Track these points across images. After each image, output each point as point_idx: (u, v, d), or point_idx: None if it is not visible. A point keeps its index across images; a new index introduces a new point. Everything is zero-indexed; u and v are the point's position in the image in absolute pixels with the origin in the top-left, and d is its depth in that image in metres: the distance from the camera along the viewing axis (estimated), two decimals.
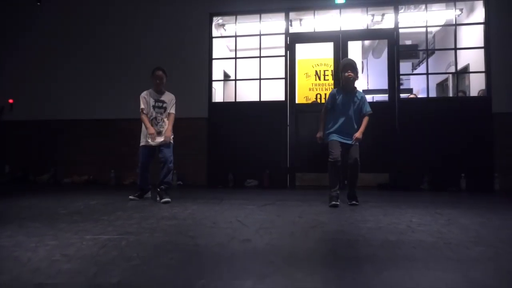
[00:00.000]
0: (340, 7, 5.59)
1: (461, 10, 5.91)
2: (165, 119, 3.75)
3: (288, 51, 5.70)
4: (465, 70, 6.20)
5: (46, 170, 6.12)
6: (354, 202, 3.40)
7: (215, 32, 6.16)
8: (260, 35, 5.80)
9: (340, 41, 5.57)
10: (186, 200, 3.69)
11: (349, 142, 3.39)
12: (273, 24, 6.11)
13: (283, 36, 5.72)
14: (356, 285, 1.34)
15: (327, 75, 7.02)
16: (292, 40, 5.71)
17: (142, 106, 3.76)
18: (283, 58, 5.70)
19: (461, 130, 5.09)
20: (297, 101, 5.86)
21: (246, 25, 6.25)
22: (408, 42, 8.18)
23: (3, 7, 6.62)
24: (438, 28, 6.90)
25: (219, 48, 6.54)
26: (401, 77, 5.77)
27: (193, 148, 5.67)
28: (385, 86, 5.61)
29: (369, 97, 8.93)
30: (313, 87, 7.17)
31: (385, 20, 6.24)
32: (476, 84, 5.81)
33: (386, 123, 5.31)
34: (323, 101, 6.61)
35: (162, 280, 1.37)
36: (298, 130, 5.58)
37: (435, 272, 1.46)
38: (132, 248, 1.81)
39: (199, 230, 2.28)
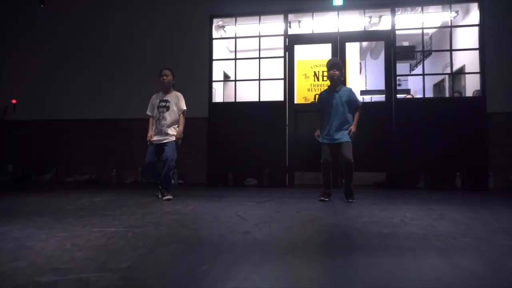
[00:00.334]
0: (338, 9, 5.71)
1: (457, 12, 6.03)
2: (167, 117, 3.81)
3: (287, 52, 5.81)
4: (461, 71, 6.31)
5: (47, 170, 6.21)
6: (350, 199, 3.51)
7: (215, 33, 6.27)
8: (259, 36, 5.91)
9: (338, 42, 5.68)
10: (187, 198, 3.80)
11: (341, 140, 3.50)
12: (272, 26, 6.23)
13: (282, 37, 5.84)
14: (349, 270, 1.45)
15: (326, 76, 7.12)
16: (291, 42, 5.82)
17: (147, 111, 3.96)
18: (282, 59, 5.81)
19: (456, 130, 5.19)
20: (296, 102, 5.97)
21: (245, 26, 6.36)
22: (406, 44, 8.29)
23: (3, 7, 6.72)
24: (435, 29, 7.02)
25: (219, 49, 6.65)
26: (399, 77, 5.88)
27: (194, 147, 5.76)
28: (383, 86, 5.72)
29: (367, 98, 9.07)
30: (311, 87, 7.26)
31: (382, 21, 6.36)
32: (472, 85, 5.92)
33: (383, 123, 5.42)
34: None
35: (168, 265, 1.47)
36: (297, 130, 5.69)
37: (422, 259, 1.56)
38: (138, 239, 1.91)
39: (201, 223, 2.38)
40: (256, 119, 5.73)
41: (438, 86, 7.69)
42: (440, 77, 7.53)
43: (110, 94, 6.18)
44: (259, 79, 5.83)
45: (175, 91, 3.96)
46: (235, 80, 5.98)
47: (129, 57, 6.21)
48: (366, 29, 6.09)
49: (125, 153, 6.06)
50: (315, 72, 7.29)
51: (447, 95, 7.06)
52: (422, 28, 5.67)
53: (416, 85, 8.79)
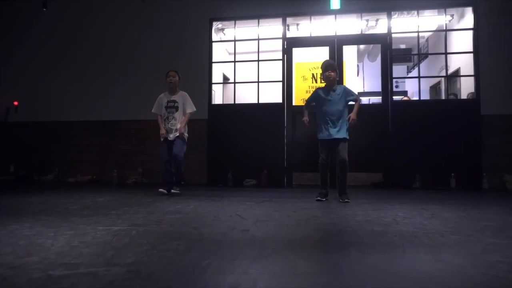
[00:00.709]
0: (335, 12, 5.82)
1: (452, 16, 6.14)
2: (177, 117, 4.04)
3: (285, 55, 5.91)
4: (457, 74, 6.42)
5: (49, 170, 6.31)
6: (346, 200, 3.61)
7: (214, 36, 6.37)
8: (258, 39, 6.01)
9: (335, 45, 5.79)
10: (188, 197, 3.90)
11: (338, 136, 3.62)
12: (271, 29, 6.33)
13: (281, 40, 5.94)
14: (342, 264, 1.55)
15: (322, 78, 7.23)
16: (289, 45, 5.93)
17: (153, 110, 4.15)
18: (281, 62, 5.91)
19: (451, 132, 5.30)
20: (294, 103, 6.07)
21: (244, 29, 6.47)
22: (403, 46, 8.40)
23: (4, 10, 6.80)
24: (431, 32, 7.13)
25: (219, 51, 6.75)
26: (397, 79, 5.98)
27: (194, 148, 5.84)
28: (380, 88, 5.82)
29: (365, 99, 9.18)
30: (310, 89, 7.35)
31: (379, 25, 6.46)
32: (468, 87, 6.03)
33: (380, 124, 5.53)
34: None
35: (171, 260, 1.56)
36: (295, 131, 5.80)
37: (410, 254, 1.66)
38: (141, 236, 2.01)
39: (202, 222, 2.48)
40: (255, 120, 5.83)
41: (435, 88, 7.80)
42: (436, 79, 7.64)
43: (111, 96, 6.29)
44: (258, 81, 5.93)
45: (181, 91, 4.17)
46: (234, 82, 6.08)
47: (130, 59, 6.31)
48: (364, 32, 6.20)
49: (126, 154, 6.16)
50: (313, 74, 7.40)
51: (443, 97, 7.17)
52: (418, 32, 5.78)
53: (413, 87, 8.88)
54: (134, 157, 6.14)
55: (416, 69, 8.87)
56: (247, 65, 6.21)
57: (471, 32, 5.54)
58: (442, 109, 5.53)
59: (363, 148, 5.34)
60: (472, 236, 2.00)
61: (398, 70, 9.29)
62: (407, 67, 9.81)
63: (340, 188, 3.69)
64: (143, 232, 2.11)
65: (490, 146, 5.23)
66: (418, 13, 5.72)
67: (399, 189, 5.00)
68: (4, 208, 3.10)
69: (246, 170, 5.73)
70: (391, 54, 5.66)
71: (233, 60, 6.16)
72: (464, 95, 6.18)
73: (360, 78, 9.50)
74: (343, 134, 3.64)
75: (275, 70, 6.01)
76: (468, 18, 5.70)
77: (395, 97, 6.08)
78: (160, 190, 4.07)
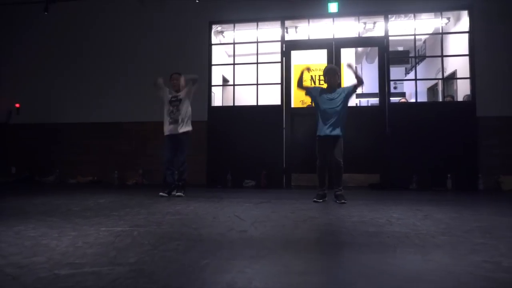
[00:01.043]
0: (333, 16, 5.89)
1: (448, 19, 6.21)
2: (181, 108, 4.24)
3: (283, 58, 5.99)
4: (453, 76, 6.50)
5: (50, 171, 6.37)
6: (343, 201, 3.68)
7: (214, 39, 6.45)
8: (257, 42, 6.09)
9: (333, 48, 5.86)
10: (188, 199, 3.97)
11: (334, 133, 3.72)
12: (270, 32, 6.40)
13: (279, 43, 6.01)
14: (335, 263, 1.62)
15: (322, 80, 7.30)
16: (288, 48, 6.01)
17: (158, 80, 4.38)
18: (279, 64, 5.98)
19: (447, 133, 5.38)
20: (292, 105, 6.14)
21: (244, 32, 6.55)
22: (401, 48, 8.48)
23: (6, 13, 6.87)
24: (428, 35, 7.20)
25: (218, 53, 6.83)
26: (396, 81, 6.05)
27: (193, 149, 5.91)
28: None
29: (364, 101, 9.25)
30: None
31: (377, 27, 6.53)
32: (464, 89, 6.10)
33: (377, 126, 5.60)
34: None
35: (171, 260, 1.64)
36: (293, 132, 5.87)
37: (400, 254, 1.73)
38: (143, 237, 2.08)
39: (202, 223, 2.55)
40: (254, 122, 5.90)
41: (432, 90, 7.87)
42: (434, 81, 7.72)
43: (111, 98, 6.36)
44: (257, 84, 6.01)
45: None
46: (234, 85, 6.16)
47: (130, 61, 6.39)
48: (362, 34, 6.27)
49: (126, 155, 6.23)
50: (312, 76, 7.48)
51: (440, 99, 7.24)
52: (415, 35, 5.85)
53: (412, 88, 8.95)
54: (134, 159, 6.21)
55: (414, 70, 8.96)
56: (246, 67, 6.29)
57: (467, 35, 5.61)
58: (439, 111, 5.60)
59: (361, 149, 5.41)
60: (461, 237, 2.08)
61: (397, 72, 9.36)
62: (405, 68, 9.88)
63: (336, 190, 3.77)
64: (145, 233, 2.18)
65: (486, 147, 5.30)
66: (415, 16, 5.80)
67: (396, 190, 5.08)
68: (8, 210, 3.17)
69: (245, 171, 5.80)
70: (388, 57, 5.74)
71: (232, 62, 6.23)
72: (460, 97, 6.26)
73: None
74: (338, 132, 3.76)
75: (274, 73, 6.08)
76: (464, 21, 5.78)
77: (394, 99, 6.16)
78: (161, 194, 4.15)
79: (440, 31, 5.96)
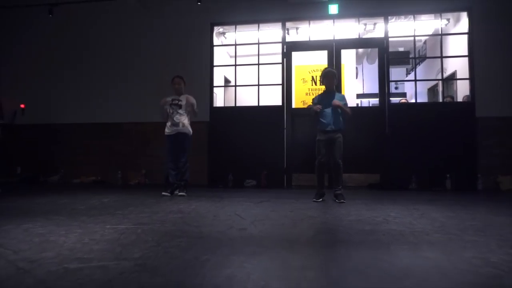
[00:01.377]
0: (333, 17, 5.95)
1: (448, 20, 6.26)
2: (181, 112, 4.38)
3: (284, 59, 6.06)
4: (453, 77, 6.55)
5: (54, 172, 6.47)
6: (342, 200, 3.74)
7: (216, 40, 6.52)
8: (258, 43, 6.16)
9: (333, 49, 5.93)
10: (189, 198, 4.06)
11: (334, 127, 3.81)
12: (271, 33, 6.48)
13: (280, 44, 6.08)
14: (330, 260, 1.69)
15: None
16: (289, 49, 6.08)
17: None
18: (280, 65, 6.05)
19: (447, 133, 5.43)
20: (294, 106, 6.21)
21: (245, 33, 6.62)
22: (401, 49, 8.53)
23: (9, 15, 6.96)
24: (428, 36, 7.25)
25: (220, 54, 6.91)
26: (396, 82, 6.10)
27: (195, 149, 5.99)
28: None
29: (365, 101, 9.31)
30: (309, 92, 7.51)
31: (377, 28, 6.58)
32: (464, 89, 6.15)
33: (377, 126, 5.66)
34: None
35: (174, 255, 1.72)
36: (294, 133, 5.94)
37: (394, 251, 1.80)
38: (147, 234, 2.16)
39: (203, 221, 2.63)
40: (255, 122, 5.98)
41: (432, 90, 7.92)
42: (434, 82, 7.76)
43: (114, 99, 6.45)
44: (258, 85, 6.08)
45: (187, 95, 4.51)
46: (235, 86, 6.23)
47: (131, 62, 6.47)
48: (362, 35, 6.33)
49: (128, 155, 6.32)
50: (313, 77, 7.54)
51: (440, 99, 7.29)
52: (414, 36, 5.91)
53: (412, 88, 9.01)
54: (136, 159, 6.30)
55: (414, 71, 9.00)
56: (248, 68, 6.36)
57: (466, 36, 5.66)
58: (438, 111, 5.66)
59: (361, 149, 5.48)
60: (454, 235, 2.14)
61: (397, 72, 9.42)
62: (406, 69, 9.93)
63: (335, 190, 3.83)
64: (148, 230, 2.26)
65: (485, 147, 5.35)
66: (414, 17, 5.85)
67: (395, 190, 5.13)
68: (15, 209, 3.26)
69: (246, 171, 5.87)
70: (388, 58, 5.79)
71: (234, 63, 6.31)
72: (460, 97, 6.30)
73: (360, 81, 9.63)
74: (338, 125, 3.84)
75: (275, 73, 6.15)
76: (464, 22, 5.83)
77: (394, 99, 6.21)
78: (164, 193, 4.26)
79: (440, 32, 6.01)
